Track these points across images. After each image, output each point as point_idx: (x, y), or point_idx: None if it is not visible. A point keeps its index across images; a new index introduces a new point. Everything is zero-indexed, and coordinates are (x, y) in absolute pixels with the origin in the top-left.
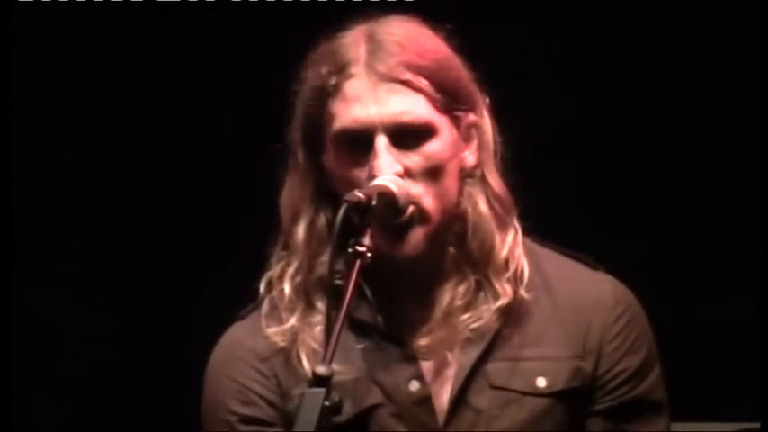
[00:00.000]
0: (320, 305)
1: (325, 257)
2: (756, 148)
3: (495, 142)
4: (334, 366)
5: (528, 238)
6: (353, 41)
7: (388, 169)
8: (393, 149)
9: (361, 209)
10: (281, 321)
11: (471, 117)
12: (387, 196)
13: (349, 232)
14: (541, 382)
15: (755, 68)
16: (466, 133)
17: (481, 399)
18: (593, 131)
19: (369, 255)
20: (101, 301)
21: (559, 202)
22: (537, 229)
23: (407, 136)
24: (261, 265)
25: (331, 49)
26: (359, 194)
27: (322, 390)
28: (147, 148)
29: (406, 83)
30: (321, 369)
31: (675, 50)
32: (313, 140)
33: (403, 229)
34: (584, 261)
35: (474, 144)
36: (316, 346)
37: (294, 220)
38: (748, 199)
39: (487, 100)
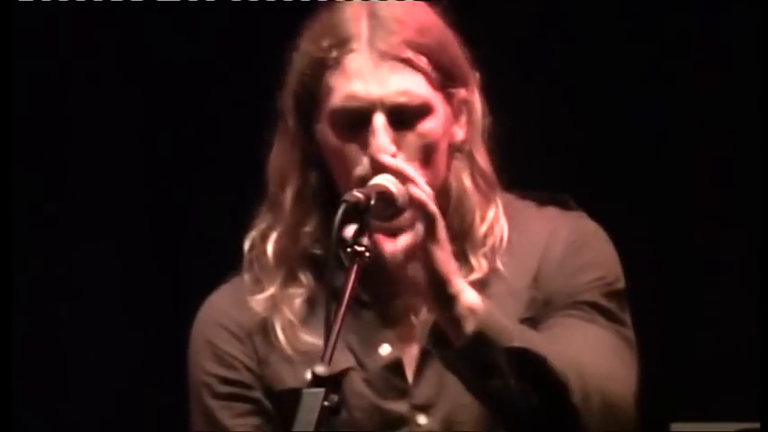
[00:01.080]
0: (302, 277)
1: (309, 228)
2: (756, 145)
3: (484, 119)
4: (309, 338)
5: (510, 194)
6: (354, 16)
7: (385, 148)
8: (389, 128)
9: (360, 209)
10: (260, 288)
11: (463, 93)
12: (386, 196)
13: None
14: None
15: (755, 67)
16: (457, 108)
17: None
18: (592, 114)
19: (367, 254)
20: (100, 300)
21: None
22: None
23: (405, 115)
24: None
25: (331, 21)
26: (358, 194)
27: (321, 390)
28: (146, 147)
29: (406, 61)
30: (320, 369)
31: (676, 48)
32: (306, 108)
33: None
34: (559, 203)
35: (463, 119)
36: (292, 317)
37: (281, 184)
38: (749, 198)
39: (477, 75)
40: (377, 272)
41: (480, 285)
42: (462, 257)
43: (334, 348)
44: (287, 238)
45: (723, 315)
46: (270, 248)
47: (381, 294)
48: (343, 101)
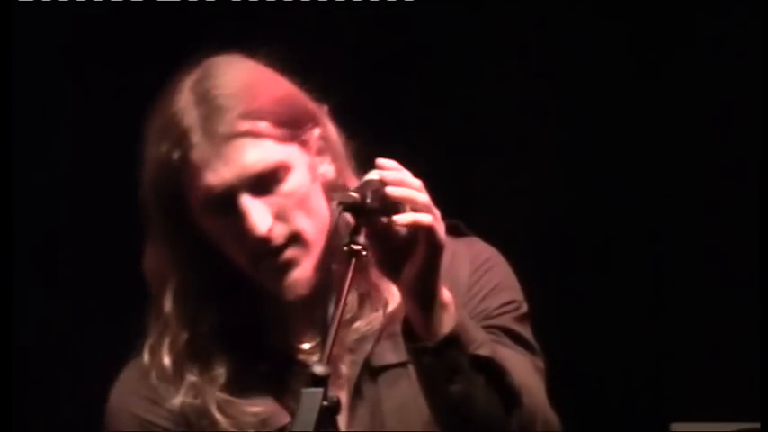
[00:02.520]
0: (220, 356)
1: (205, 328)
2: (756, 147)
3: (344, 147)
4: (254, 408)
5: None
6: (185, 106)
7: (261, 225)
8: (259, 201)
9: (356, 208)
10: (172, 393)
11: (317, 131)
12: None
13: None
14: None
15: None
16: (317, 148)
17: (372, 387)
18: (590, 127)
19: (364, 253)
20: (100, 303)
21: (559, 198)
22: (540, 228)
23: (265, 182)
24: None
25: (165, 119)
26: (353, 195)
27: (320, 390)
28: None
29: (246, 134)
30: (319, 369)
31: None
32: (175, 208)
33: (285, 268)
34: (450, 230)
35: (328, 156)
36: (222, 398)
37: (163, 287)
38: (749, 198)
39: (326, 108)
40: (293, 324)
41: (395, 315)
42: (372, 291)
43: (332, 348)
44: (181, 345)
45: (723, 315)
46: (165, 361)
47: (301, 347)
48: (203, 194)
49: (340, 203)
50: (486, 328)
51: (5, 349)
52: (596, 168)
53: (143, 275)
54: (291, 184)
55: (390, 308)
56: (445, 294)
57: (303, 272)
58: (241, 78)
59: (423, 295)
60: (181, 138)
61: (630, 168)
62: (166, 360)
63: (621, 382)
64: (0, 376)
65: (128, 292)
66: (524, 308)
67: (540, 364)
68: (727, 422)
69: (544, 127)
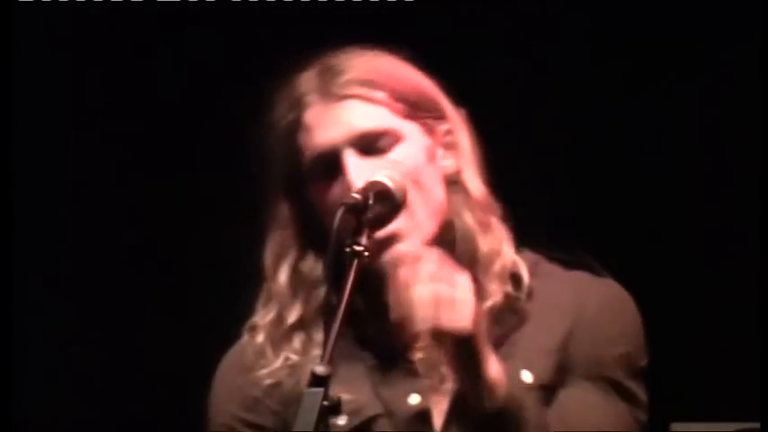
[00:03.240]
0: (318, 336)
1: (319, 291)
2: (756, 150)
3: (473, 149)
4: (345, 396)
5: (538, 254)
6: (306, 74)
7: (361, 183)
8: (363, 161)
9: (358, 209)
10: (273, 362)
11: (446, 125)
12: (383, 194)
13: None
14: (527, 377)
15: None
16: (443, 141)
17: None
18: (588, 132)
19: (366, 254)
20: (99, 304)
21: (557, 201)
22: (538, 233)
23: (372, 144)
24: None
25: (288, 87)
26: (355, 196)
27: (321, 390)
28: (146, 149)
29: (358, 97)
30: (320, 369)
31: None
32: (293, 180)
33: (390, 240)
34: (587, 268)
35: (455, 152)
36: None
37: (280, 264)
38: (748, 199)
39: (463, 111)
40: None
41: (508, 341)
42: (476, 286)
43: (333, 349)
44: (289, 321)
45: (723, 315)
46: (263, 338)
47: (405, 343)
48: (311, 154)
49: (342, 204)
50: (594, 376)
51: (5, 349)
52: (597, 168)
53: (142, 276)
54: (401, 153)
55: (488, 304)
56: (492, 365)
57: (410, 246)
58: (370, 57)
59: (468, 368)
60: (297, 100)
61: (632, 168)
62: (264, 337)
63: None
64: (0, 376)
65: (127, 292)
66: (641, 361)
67: (641, 416)
68: (727, 422)
69: (545, 128)
